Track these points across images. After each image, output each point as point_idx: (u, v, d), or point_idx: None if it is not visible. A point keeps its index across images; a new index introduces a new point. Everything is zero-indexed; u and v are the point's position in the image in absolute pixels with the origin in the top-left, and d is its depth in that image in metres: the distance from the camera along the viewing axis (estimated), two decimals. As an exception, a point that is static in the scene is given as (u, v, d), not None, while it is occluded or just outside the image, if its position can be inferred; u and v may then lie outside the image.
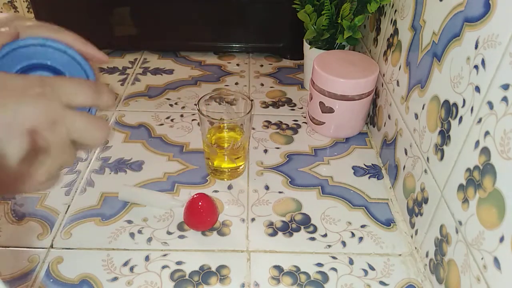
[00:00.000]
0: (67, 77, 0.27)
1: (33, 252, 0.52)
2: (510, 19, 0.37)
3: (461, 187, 0.44)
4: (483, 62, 0.41)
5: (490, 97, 0.39)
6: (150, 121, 0.75)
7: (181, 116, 0.77)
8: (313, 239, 0.55)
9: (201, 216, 0.54)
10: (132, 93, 0.83)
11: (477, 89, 0.41)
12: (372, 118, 0.74)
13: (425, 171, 0.52)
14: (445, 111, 0.48)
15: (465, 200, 0.43)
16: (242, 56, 0.98)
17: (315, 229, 0.56)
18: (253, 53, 0.98)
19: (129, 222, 0.56)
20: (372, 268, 0.52)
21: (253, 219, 0.57)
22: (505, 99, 0.37)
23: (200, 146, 0.67)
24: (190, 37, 0.94)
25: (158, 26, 0.93)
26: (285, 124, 0.76)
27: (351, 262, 0.52)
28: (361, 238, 0.55)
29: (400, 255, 0.54)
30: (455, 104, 0.46)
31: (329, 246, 0.54)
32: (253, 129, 0.74)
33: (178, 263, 0.51)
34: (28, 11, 1.05)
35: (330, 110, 0.69)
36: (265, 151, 0.69)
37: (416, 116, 0.55)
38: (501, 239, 0.37)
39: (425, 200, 0.52)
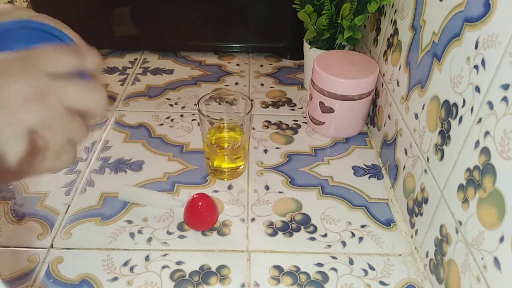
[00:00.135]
0: (43, 47, 0.27)
1: (33, 252, 0.52)
2: (510, 19, 0.37)
3: (461, 187, 0.44)
4: (483, 62, 0.41)
5: (490, 97, 0.39)
6: (150, 121, 0.75)
7: (181, 116, 0.77)
8: (313, 239, 0.55)
9: (201, 216, 0.54)
10: (132, 93, 0.83)
11: (477, 89, 0.41)
12: (372, 118, 0.74)
13: (425, 171, 0.52)
14: (445, 111, 0.48)
15: (465, 200, 0.43)
16: (242, 56, 0.98)
17: (315, 229, 0.56)
18: (253, 53, 0.98)
19: (129, 222, 0.56)
20: (372, 268, 0.52)
21: (253, 219, 0.57)
22: (505, 99, 0.37)
23: (200, 146, 0.67)
24: (190, 37, 0.94)
25: (158, 26, 0.93)
26: (285, 124, 0.76)
27: (351, 262, 0.52)
28: (361, 238, 0.55)
29: (400, 255, 0.54)
30: (455, 104, 0.46)
31: (329, 246, 0.54)
32: (253, 129, 0.74)
33: (178, 263, 0.51)
34: (28, 11, 1.05)
35: (330, 110, 0.69)
36: (265, 151, 0.69)
37: (416, 116, 0.55)
38: (501, 239, 0.37)
39: (425, 200, 0.52)
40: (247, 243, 0.54)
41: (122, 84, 0.86)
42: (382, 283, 0.50)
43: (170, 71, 0.91)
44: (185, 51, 0.98)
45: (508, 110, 0.37)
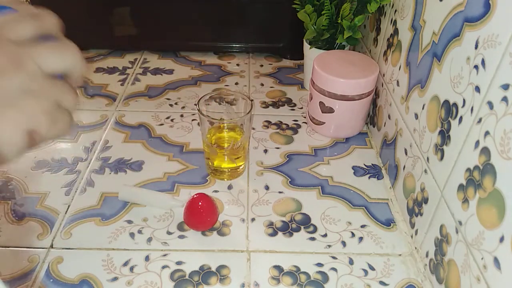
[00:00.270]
0: None
1: (33, 252, 0.52)
2: (510, 19, 0.37)
3: (461, 187, 0.44)
4: (483, 62, 0.41)
5: (490, 97, 0.39)
6: (150, 121, 0.75)
7: (181, 116, 0.77)
8: (313, 239, 0.55)
9: (201, 216, 0.54)
10: (132, 93, 0.83)
11: (477, 89, 0.41)
12: (372, 118, 0.74)
13: (425, 171, 0.52)
14: (445, 111, 0.48)
15: (465, 200, 0.43)
16: (242, 56, 0.98)
17: (315, 229, 0.56)
18: (253, 53, 0.98)
19: (129, 222, 0.56)
20: (372, 268, 0.52)
21: (253, 219, 0.57)
22: (505, 99, 0.37)
23: (200, 146, 0.67)
24: (190, 37, 0.94)
25: (158, 26, 0.93)
26: (285, 124, 0.76)
27: (351, 262, 0.52)
28: (361, 238, 0.55)
29: (400, 255, 0.54)
30: (455, 104, 0.46)
31: (329, 246, 0.54)
32: (253, 129, 0.74)
33: (178, 263, 0.51)
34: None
35: (330, 110, 0.69)
36: (265, 151, 0.69)
37: (416, 116, 0.55)
38: (501, 239, 0.37)
39: (425, 200, 0.52)
40: (247, 243, 0.54)
41: (122, 84, 0.86)
42: (382, 283, 0.50)
43: (170, 71, 0.91)
44: (185, 51, 0.98)
45: (508, 110, 0.37)
